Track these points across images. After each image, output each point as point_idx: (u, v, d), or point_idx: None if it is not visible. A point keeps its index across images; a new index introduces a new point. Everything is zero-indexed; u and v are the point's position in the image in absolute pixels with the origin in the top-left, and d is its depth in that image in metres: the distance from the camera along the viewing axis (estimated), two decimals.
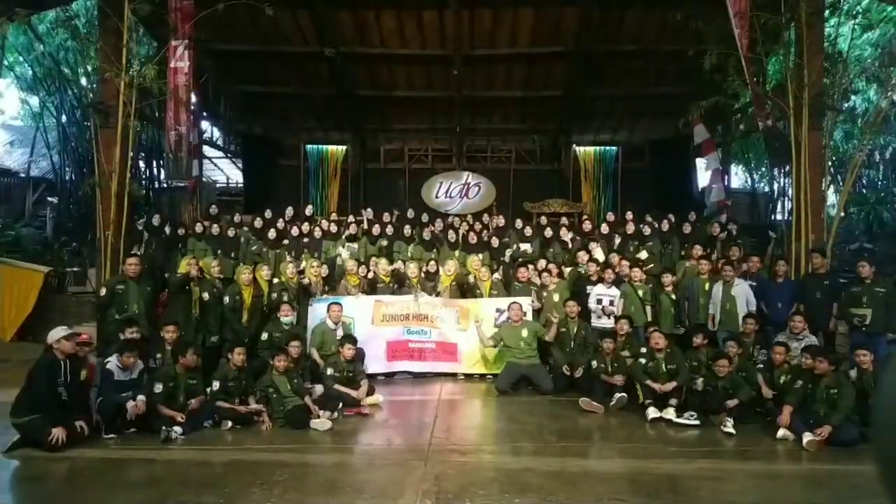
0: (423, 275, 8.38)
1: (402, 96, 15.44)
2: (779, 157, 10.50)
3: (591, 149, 16.83)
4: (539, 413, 6.35)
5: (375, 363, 7.75)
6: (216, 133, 17.44)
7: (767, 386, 6.31)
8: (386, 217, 10.47)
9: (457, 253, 9.43)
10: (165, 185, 16.30)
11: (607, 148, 16.87)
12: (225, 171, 19.61)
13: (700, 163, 16.58)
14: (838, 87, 10.60)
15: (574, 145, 16.82)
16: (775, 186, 16.96)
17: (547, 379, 7.16)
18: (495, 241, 9.49)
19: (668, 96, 15.20)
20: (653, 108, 16.04)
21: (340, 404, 6.29)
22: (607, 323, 7.92)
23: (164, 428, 5.38)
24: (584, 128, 17.04)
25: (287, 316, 6.94)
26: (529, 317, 7.70)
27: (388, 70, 14.74)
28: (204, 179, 18.91)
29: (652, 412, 6.09)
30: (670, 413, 6.03)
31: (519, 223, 10.10)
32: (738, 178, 18.78)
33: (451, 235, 9.83)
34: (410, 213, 11.33)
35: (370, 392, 6.64)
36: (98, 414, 5.45)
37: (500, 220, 10.25)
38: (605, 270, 8.12)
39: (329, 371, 6.58)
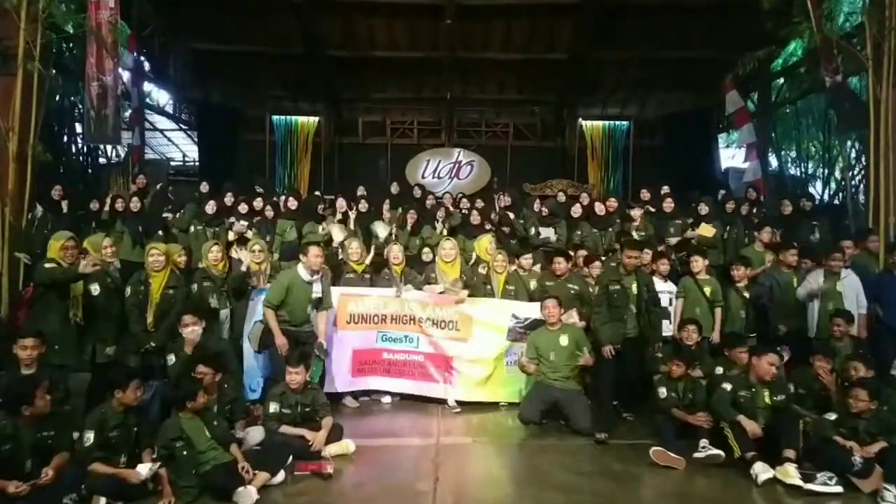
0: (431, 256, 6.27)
1: (383, 57, 13.19)
2: (850, 121, 8.50)
3: (598, 123, 14.85)
4: (589, 471, 4.24)
5: (336, 380, 5.68)
6: (166, 100, 15.09)
7: None
8: (361, 191, 8.28)
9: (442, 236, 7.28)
10: (107, 160, 13.97)
11: (617, 123, 14.90)
12: (181, 148, 17.26)
13: (721, 140, 14.83)
14: None
15: (580, 119, 14.79)
16: (804, 168, 15.07)
17: (584, 412, 5.03)
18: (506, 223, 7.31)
19: (688, 62, 13.32)
20: (670, 76, 14.00)
21: (290, 458, 4.14)
22: (665, 329, 5.85)
23: None
24: (590, 99, 14.96)
25: (190, 328, 4.70)
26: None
27: (367, 23, 12.49)
28: (156, 156, 16.70)
29: (761, 471, 4.02)
30: (792, 475, 3.95)
31: (537, 204, 7.93)
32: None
33: (441, 215, 7.68)
34: (395, 189, 9.10)
35: (335, 436, 4.48)
36: None
37: (507, 199, 8.04)
38: (657, 260, 6.02)
39: (272, 407, 4.41)
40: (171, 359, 4.57)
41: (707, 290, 5.91)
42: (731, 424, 4.40)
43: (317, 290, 5.19)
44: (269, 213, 7.26)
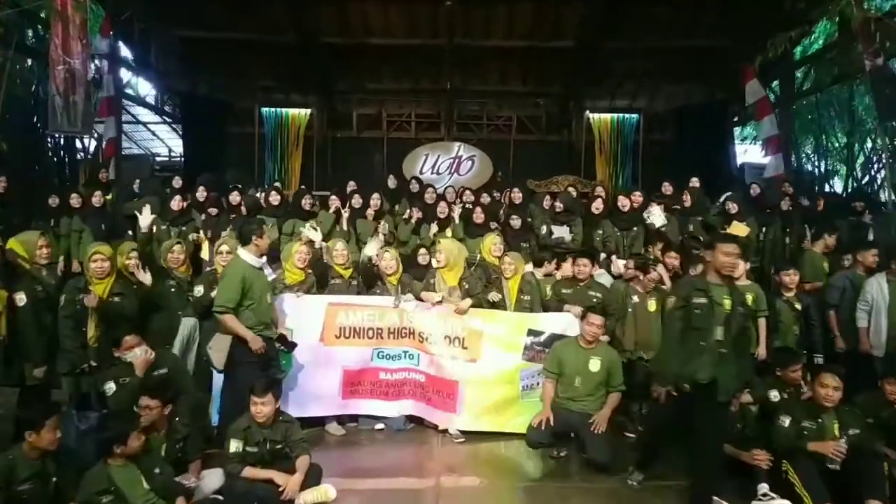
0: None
1: (379, 45, 12.36)
2: (892, 107, 7.72)
3: (606, 116, 13.97)
4: None
5: (323, 403, 4.88)
6: (150, 91, 14.25)
7: None
8: (352, 185, 7.45)
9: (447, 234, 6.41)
10: (84, 154, 13.13)
11: (626, 115, 14.03)
12: (166, 142, 16.41)
13: (737, 132, 14.02)
14: None
15: (587, 112, 13.91)
16: (825, 164, 14.29)
17: (603, 442, 4.20)
18: (515, 223, 6.43)
19: (701, 52, 12.48)
20: (682, 66, 13.14)
21: None
22: None
23: None
24: (598, 91, 14.06)
25: (133, 350, 3.87)
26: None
27: (361, 9, 11.68)
28: (141, 152, 15.89)
29: None
30: None
31: (547, 200, 7.13)
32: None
33: (442, 210, 6.78)
34: (392, 183, 8.27)
35: (312, 479, 3.67)
36: None
37: (518, 195, 7.17)
38: (693, 266, 5.18)
39: (234, 445, 3.58)
40: (111, 387, 3.73)
41: (748, 297, 5.07)
42: (795, 464, 3.61)
43: (270, 274, 4.43)
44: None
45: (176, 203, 6.20)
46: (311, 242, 5.47)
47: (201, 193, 6.66)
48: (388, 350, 4.93)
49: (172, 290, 4.61)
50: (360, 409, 4.98)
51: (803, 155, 15.27)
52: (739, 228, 6.24)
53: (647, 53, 12.80)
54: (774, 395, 4.28)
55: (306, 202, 6.68)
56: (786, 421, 3.80)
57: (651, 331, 4.82)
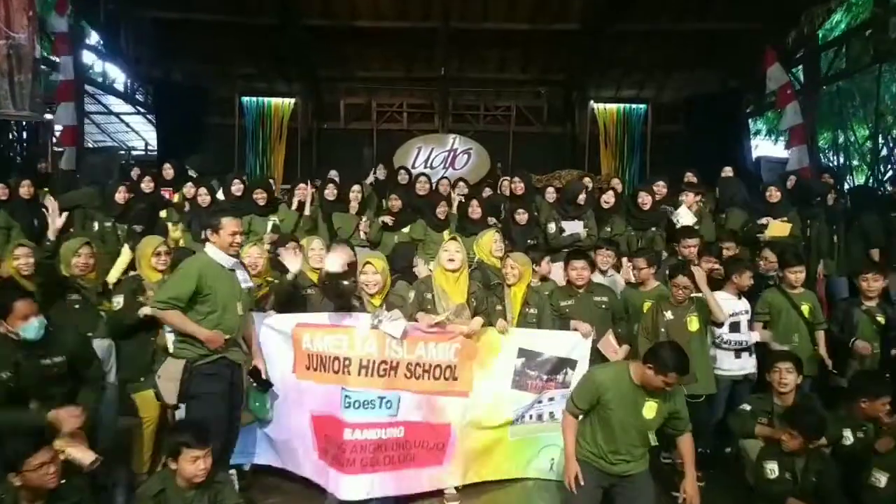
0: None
1: (368, 28, 11.53)
2: None
3: (612, 106, 13.13)
4: None
5: (297, 457, 3.80)
6: (123, 79, 13.28)
7: None
8: (332, 174, 6.54)
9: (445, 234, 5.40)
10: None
11: (633, 106, 13.21)
12: (143, 135, 15.45)
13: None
14: None
15: (591, 102, 13.06)
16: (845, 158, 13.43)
17: None
18: (522, 217, 5.46)
19: (715, 35, 11.81)
20: (693, 51, 12.39)
21: None
22: (736, 366, 4.13)
23: None
24: (603, 80, 13.34)
25: (31, 321, 2.86)
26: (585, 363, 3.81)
27: None
28: (112, 144, 14.95)
29: None
30: None
31: (551, 192, 6.20)
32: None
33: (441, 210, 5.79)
34: (381, 174, 7.33)
35: None
36: None
37: (520, 185, 6.22)
38: (741, 273, 4.17)
39: None
40: None
41: (805, 308, 4.18)
42: None
43: (244, 279, 3.44)
44: (205, 200, 5.44)
45: (121, 195, 5.17)
46: (274, 244, 4.53)
47: (147, 184, 5.68)
48: (356, 395, 3.57)
49: (76, 306, 3.59)
50: (337, 488, 3.58)
51: (819, 149, 14.44)
52: (780, 228, 5.32)
53: (655, 37, 12.07)
54: (848, 435, 3.38)
55: (258, 195, 5.62)
56: (881, 479, 2.91)
57: (693, 357, 3.42)
